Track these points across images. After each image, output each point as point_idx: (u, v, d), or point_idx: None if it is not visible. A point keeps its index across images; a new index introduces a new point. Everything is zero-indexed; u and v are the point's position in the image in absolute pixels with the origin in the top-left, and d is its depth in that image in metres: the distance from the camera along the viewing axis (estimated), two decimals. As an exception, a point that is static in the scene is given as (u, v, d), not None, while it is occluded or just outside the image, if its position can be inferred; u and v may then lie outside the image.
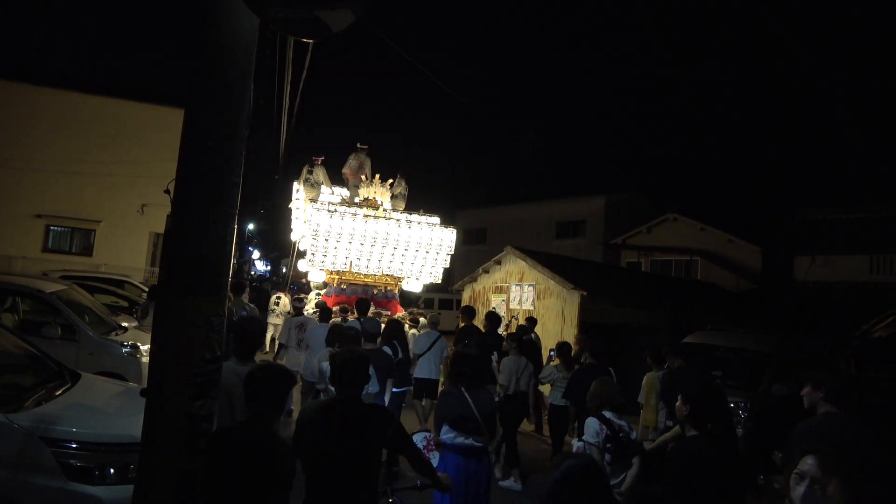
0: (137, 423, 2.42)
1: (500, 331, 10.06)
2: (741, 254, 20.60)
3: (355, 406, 2.85)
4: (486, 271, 13.84)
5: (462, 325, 8.48)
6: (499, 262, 13.47)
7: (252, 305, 10.78)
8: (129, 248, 19.65)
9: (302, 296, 12.14)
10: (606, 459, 3.72)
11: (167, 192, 2.38)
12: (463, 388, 3.89)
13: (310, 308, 10.56)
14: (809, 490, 1.64)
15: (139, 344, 6.75)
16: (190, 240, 2.35)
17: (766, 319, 14.13)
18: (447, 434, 3.83)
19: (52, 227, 19.73)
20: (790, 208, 19.67)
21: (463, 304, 12.75)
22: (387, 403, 5.97)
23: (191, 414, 2.32)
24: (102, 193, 19.33)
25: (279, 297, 13.25)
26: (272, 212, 40.54)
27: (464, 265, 21.13)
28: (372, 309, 9.42)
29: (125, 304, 11.59)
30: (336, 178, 13.13)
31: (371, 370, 3.27)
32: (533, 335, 8.70)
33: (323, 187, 12.58)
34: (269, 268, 58.84)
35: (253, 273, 53.54)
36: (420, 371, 7.66)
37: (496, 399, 6.04)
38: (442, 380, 7.49)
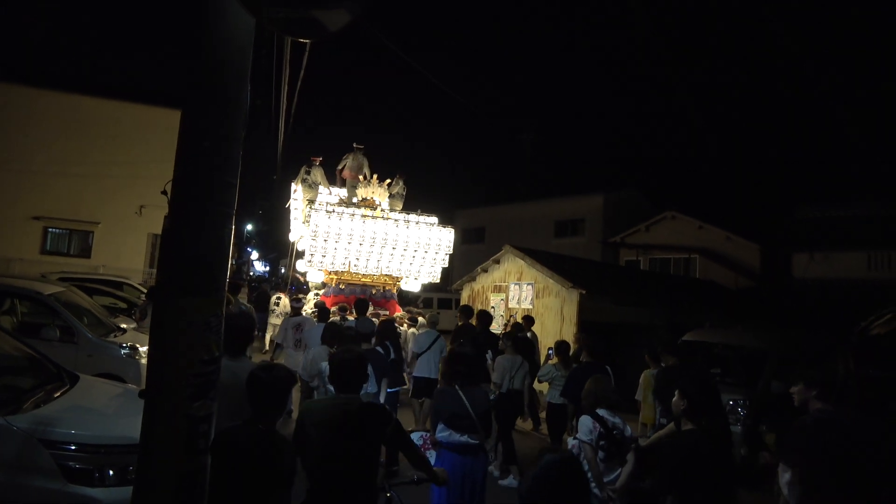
0: (136, 424, 2.42)
1: (500, 330, 10.05)
2: (740, 251, 20.61)
3: (355, 405, 2.88)
4: (485, 270, 13.85)
5: (460, 323, 8.49)
6: (497, 262, 13.48)
7: (248, 305, 10.79)
8: (127, 250, 19.64)
9: (300, 296, 12.15)
10: (600, 457, 3.75)
11: (164, 193, 2.38)
12: (457, 387, 3.93)
13: (308, 308, 10.57)
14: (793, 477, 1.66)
15: (138, 345, 6.74)
16: (187, 240, 2.35)
17: (764, 317, 14.15)
18: (443, 432, 3.88)
19: (50, 229, 19.71)
20: (788, 206, 19.73)
21: (462, 304, 12.77)
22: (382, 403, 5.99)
23: (189, 415, 2.32)
24: (101, 195, 19.30)
25: (279, 298, 13.26)
26: (270, 212, 40.53)
27: (463, 264, 21.13)
28: (371, 309, 9.43)
29: (124, 305, 11.59)
30: (334, 179, 13.13)
31: (369, 370, 3.31)
32: (529, 334, 8.70)
33: (321, 188, 12.58)
34: (267, 268, 58.85)
35: (252, 274, 53.53)
36: (419, 370, 7.66)
37: (491, 397, 6.06)
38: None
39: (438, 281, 12.71)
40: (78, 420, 3.72)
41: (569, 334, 10.11)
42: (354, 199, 12.16)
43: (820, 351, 7.96)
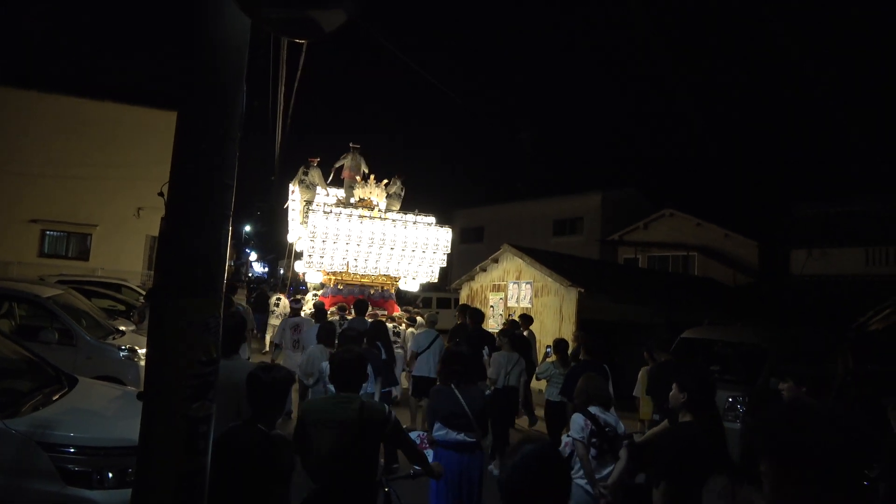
0: (135, 426, 2.42)
1: (499, 329, 10.05)
2: (738, 249, 20.63)
3: (355, 404, 2.95)
4: (484, 270, 13.86)
5: (458, 322, 8.51)
6: (496, 261, 13.49)
7: (246, 306, 10.80)
8: (125, 252, 19.61)
9: (298, 296, 12.16)
10: (592, 454, 3.80)
11: (161, 194, 2.37)
12: (454, 386, 3.99)
13: (307, 309, 10.57)
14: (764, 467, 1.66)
15: (137, 347, 6.74)
16: (184, 242, 2.34)
17: (763, 314, 14.16)
18: (440, 431, 3.93)
19: (48, 232, 19.68)
20: (786, 203, 19.72)
21: (461, 303, 12.77)
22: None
23: (188, 416, 2.31)
24: (98, 197, 19.27)
25: (279, 299, 13.27)
26: (269, 213, 40.50)
27: (461, 264, 21.12)
28: (369, 309, 9.44)
29: (122, 307, 11.57)
30: (332, 179, 13.14)
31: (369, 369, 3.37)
32: (525, 332, 8.73)
33: (318, 188, 12.58)
34: (266, 269, 58.79)
35: (250, 275, 53.48)
36: (419, 369, 7.67)
37: (486, 393, 6.09)
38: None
39: (437, 280, 12.72)
40: (76, 422, 3.72)
41: (568, 333, 10.12)
42: (352, 200, 12.16)
43: (819, 347, 7.98)
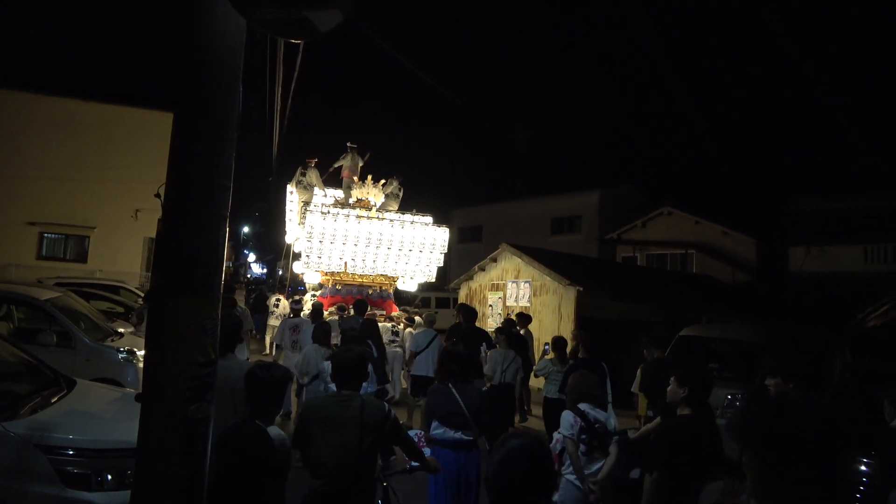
0: (134, 428, 2.42)
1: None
2: (736, 246, 20.65)
3: (356, 401, 3.04)
4: (483, 269, 13.86)
5: (457, 321, 8.51)
6: (495, 260, 13.49)
7: (244, 307, 10.79)
8: (123, 254, 19.57)
9: (297, 297, 12.17)
10: (581, 450, 3.86)
11: (158, 196, 2.37)
12: (451, 385, 4.03)
13: (307, 309, 10.59)
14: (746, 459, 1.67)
15: (135, 349, 6.73)
16: (181, 243, 2.34)
17: (761, 311, 14.18)
18: (437, 429, 3.98)
19: (45, 235, 19.64)
20: (784, 200, 19.73)
21: (459, 302, 12.77)
22: None
23: (187, 417, 2.31)
24: (96, 199, 19.24)
25: (278, 300, 13.28)
26: (267, 214, 40.47)
27: (460, 263, 21.14)
28: (368, 309, 9.45)
29: (121, 309, 11.57)
30: (329, 180, 13.14)
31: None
32: (522, 331, 8.75)
33: (316, 189, 12.59)
34: (265, 270, 58.72)
35: (249, 276, 53.44)
36: (418, 369, 7.68)
37: (483, 390, 6.12)
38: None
39: (434, 280, 12.74)
40: (75, 425, 3.72)
41: (567, 331, 10.13)
42: (351, 200, 12.17)
43: (817, 344, 7.99)
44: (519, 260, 12.65)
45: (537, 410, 8.54)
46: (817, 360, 7.30)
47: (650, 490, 2.85)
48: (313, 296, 11.98)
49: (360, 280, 11.71)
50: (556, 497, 3.87)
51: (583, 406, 3.99)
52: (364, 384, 3.44)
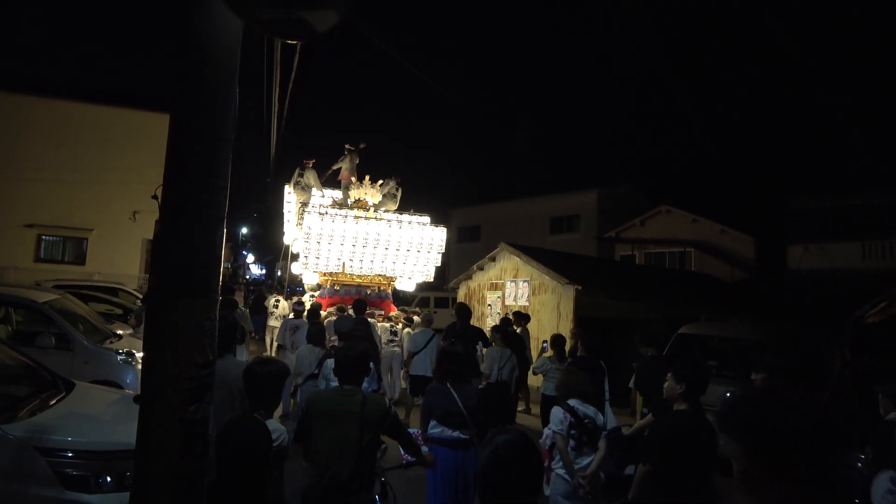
0: (133, 430, 2.42)
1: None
2: (734, 244, 20.67)
3: (357, 396, 3.12)
4: (481, 268, 13.87)
5: (454, 321, 8.53)
6: (493, 259, 13.50)
7: (243, 309, 10.79)
8: (122, 256, 19.54)
9: (297, 298, 12.17)
10: (570, 445, 3.90)
11: (155, 197, 2.37)
12: (449, 384, 4.06)
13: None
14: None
15: (134, 351, 6.72)
16: (179, 244, 2.34)
17: (760, 309, 14.20)
18: (435, 429, 4.00)
19: (43, 237, 19.60)
20: (782, 198, 19.75)
21: (458, 302, 12.78)
22: None
23: (185, 418, 2.31)
24: (94, 201, 19.21)
25: (278, 301, 13.28)
26: (265, 215, 40.45)
27: (459, 263, 21.16)
28: (367, 309, 9.47)
29: (120, 311, 11.56)
30: (327, 181, 13.12)
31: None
32: (519, 330, 8.76)
33: (314, 190, 12.58)
34: (264, 271, 58.67)
35: (248, 277, 53.40)
36: (416, 368, 7.69)
37: (480, 387, 6.15)
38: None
39: (432, 280, 12.74)
40: (74, 427, 3.72)
41: (565, 330, 10.14)
42: (349, 201, 12.16)
43: (816, 341, 8.00)
44: (517, 259, 12.66)
45: (536, 409, 8.56)
46: (816, 358, 7.31)
47: (640, 480, 2.88)
48: (312, 296, 11.98)
49: (359, 280, 11.71)
50: (546, 491, 3.90)
51: (572, 402, 4.03)
52: (364, 384, 3.48)
